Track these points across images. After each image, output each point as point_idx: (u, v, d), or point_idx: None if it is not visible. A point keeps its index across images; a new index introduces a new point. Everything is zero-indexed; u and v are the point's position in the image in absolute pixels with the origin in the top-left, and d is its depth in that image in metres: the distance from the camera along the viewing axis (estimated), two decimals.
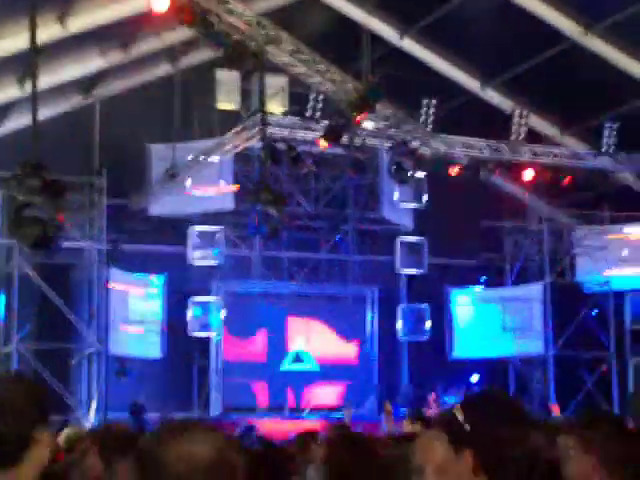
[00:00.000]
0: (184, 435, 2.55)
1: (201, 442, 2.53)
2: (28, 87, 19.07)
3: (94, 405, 22.58)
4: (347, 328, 27.19)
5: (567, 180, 22.79)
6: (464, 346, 26.85)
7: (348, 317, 27.27)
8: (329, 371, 26.62)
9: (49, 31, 18.05)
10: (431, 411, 23.18)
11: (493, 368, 26.82)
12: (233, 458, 2.57)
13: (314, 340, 26.72)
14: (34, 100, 11.59)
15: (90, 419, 22.08)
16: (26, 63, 18.76)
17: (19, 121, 21.68)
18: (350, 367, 27.04)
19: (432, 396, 23.83)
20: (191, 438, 2.54)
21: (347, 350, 27.21)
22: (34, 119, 11.50)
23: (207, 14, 15.10)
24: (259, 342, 26.44)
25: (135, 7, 19.10)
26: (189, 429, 2.57)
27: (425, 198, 24.44)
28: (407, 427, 10.96)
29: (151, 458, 2.52)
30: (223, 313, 24.92)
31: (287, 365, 26.57)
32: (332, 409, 26.11)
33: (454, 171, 22.27)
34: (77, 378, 23.29)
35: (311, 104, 20.46)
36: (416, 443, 3.32)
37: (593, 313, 25.89)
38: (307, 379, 26.51)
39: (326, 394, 26.54)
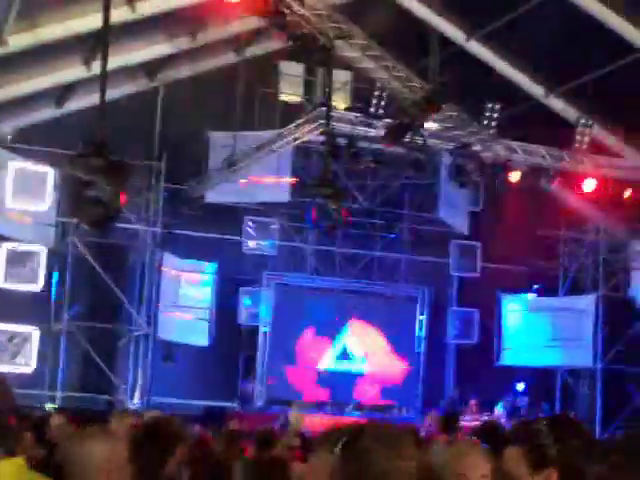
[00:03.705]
0: None
1: None
2: (93, 67, 19.28)
3: (139, 388, 22.68)
4: (396, 329, 27.02)
5: (628, 193, 22.51)
6: (512, 353, 26.62)
7: (398, 317, 27.08)
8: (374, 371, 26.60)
9: (118, 13, 18.10)
10: (469, 418, 23.03)
11: (540, 377, 26.56)
12: None
13: (362, 341, 26.63)
14: (103, 80, 11.56)
15: (134, 402, 22.18)
16: (92, 44, 18.95)
17: (81, 101, 21.83)
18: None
19: (473, 402, 23.63)
20: None
21: (394, 358, 27.06)
22: (102, 99, 11.49)
23: (279, 4, 15.07)
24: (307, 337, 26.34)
25: None
26: None
27: (482, 202, 24.19)
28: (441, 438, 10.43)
29: None
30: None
31: (334, 361, 26.44)
32: (375, 408, 26.08)
33: (514, 177, 22.08)
34: (124, 360, 23.41)
35: (374, 101, 20.30)
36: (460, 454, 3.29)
37: None
38: (352, 377, 26.43)
39: (369, 393, 26.48)
